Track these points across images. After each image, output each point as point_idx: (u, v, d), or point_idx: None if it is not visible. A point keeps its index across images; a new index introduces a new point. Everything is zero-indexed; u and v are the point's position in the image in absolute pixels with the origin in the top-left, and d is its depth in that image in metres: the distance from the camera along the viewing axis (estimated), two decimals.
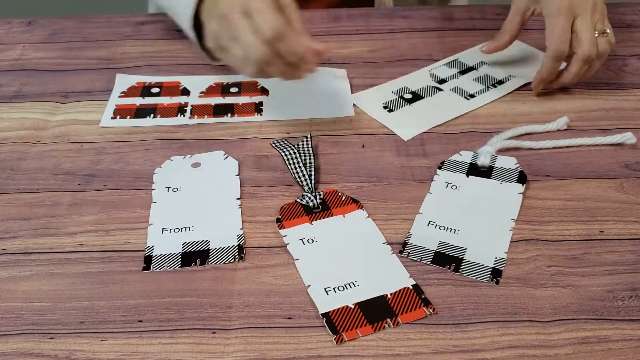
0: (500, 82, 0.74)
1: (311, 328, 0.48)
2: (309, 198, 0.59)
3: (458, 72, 0.76)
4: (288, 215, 0.58)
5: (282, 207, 0.59)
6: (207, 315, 0.49)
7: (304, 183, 0.60)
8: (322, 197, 0.59)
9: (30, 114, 0.72)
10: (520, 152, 0.65)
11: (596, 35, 0.67)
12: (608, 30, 0.68)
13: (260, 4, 0.58)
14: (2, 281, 0.53)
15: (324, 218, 0.58)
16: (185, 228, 0.57)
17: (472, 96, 0.72)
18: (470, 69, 0.77)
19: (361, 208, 0.58)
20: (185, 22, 0.69)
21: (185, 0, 0.67)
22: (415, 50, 0.80)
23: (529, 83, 0.73)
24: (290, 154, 0.61)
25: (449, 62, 0.78)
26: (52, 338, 0.48)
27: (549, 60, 0.68)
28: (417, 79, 0.75)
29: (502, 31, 0.73)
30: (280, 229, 0.56)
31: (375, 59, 0.80)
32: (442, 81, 0.75)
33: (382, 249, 0.54)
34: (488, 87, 0.73)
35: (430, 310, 0.49)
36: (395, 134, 0.67)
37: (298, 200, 0.59)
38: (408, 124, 0.68)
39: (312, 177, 0.60)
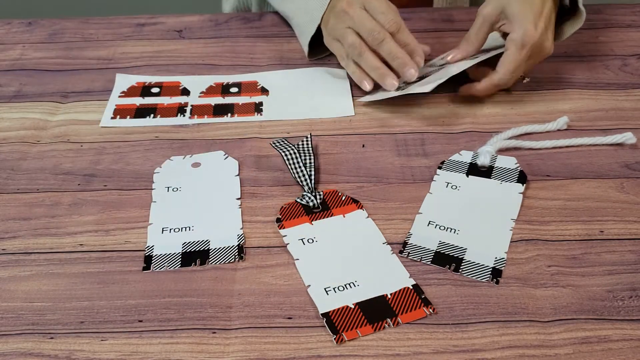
0: (497, 48, 0.72)
1: (311, 328, 0.48)
2: (309, 198, 0.59)
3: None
4: (288, 215, 0.58)
5: (282, 207, 0.59)
6: (207, 315, 0.49)
7: (304, 183, 0.60)
8: (322, 197, 0.59)
9: (30, 114, 0.72)
10: (520, 152, 0.65)
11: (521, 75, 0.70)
12: (527, 79, 0.71)
13: (377, 2, 0.69)
14: (2, 281, 0.53)
15: (324, 218, 0.58)
16: (185, 228, 0.57)
17: (475, 57, 0.71)
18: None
19: (361, 208, 0.58)
20: (303, 37, 0.78)
21: (302, 18, 0.78)
22: None
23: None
24: (290, 154, 0.61)
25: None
26: (52, 338, 0.48)
27: (490, 84, 0.68)
28: (422, 69, 0.74)
29: (469, 41, 0.72)
30: (280, 229, 0.56)
31: None
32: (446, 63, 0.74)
33: (382, 249, 0.54)
34: (489, 51, 0.72)
35: (430, 310, 0.49)
36: (396, 134, 0.67)
37: (298, 200, 0.59)
38: (422, 84, 0.68)
39: (312, 177, 0.60)
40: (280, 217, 0.58)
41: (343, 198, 0.59)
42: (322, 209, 0.58)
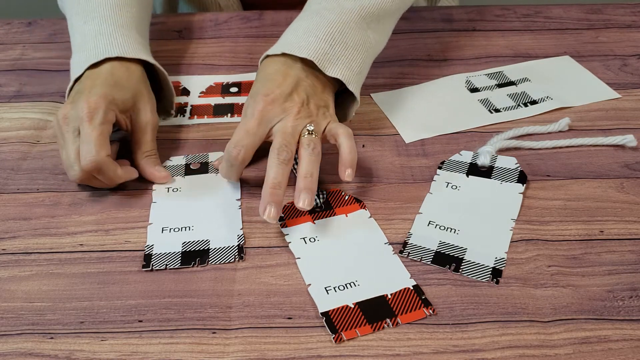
0: (534, 102, 0.70)
1: (311, 328, 0.48)
2: None
3: (495, 85, 0.73)
4: (291, 214, 0.58)
5: (285, 205, 0.59)
6: (207, 315, 0.49)
7: None
8: (325, 196, 0.59)
9: (30, 114, 0.72)
10: (520, 152, 0.65)
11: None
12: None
13: (90, 131, 0.57)
14: (2, 281, 0.53)
15: (326, 217, 0.58)
16: (185, 228, 0.57)
17: (497, 111, 0.70)
18: (509, 83, 0.74)
19: (364, 208, 0.58)
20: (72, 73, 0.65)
21: (77, 57, 0.65)
22: (414, 51, 0.81)
23: (562, 108, 0.70)
24: None
25: (490, 74, 0.75)
26: (52, 338, 0.48)
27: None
28: (449, 82, 0.74)
29: None
30: (282, 227, 0.56)
31: (375, 59, 0.79)
32: (474, 90, 0.73)
33: (384, 249, 0.54)
34: (518, 105, 0.70)
35: (430, 312, 0.49)
36: (396, 134, 0.67)
37: None
38: (416, 126, 0.68)
39: None
40: (283, 215, 0.58)
41: (346, 198, 0.59)
42: (325, 208, 0.58)
